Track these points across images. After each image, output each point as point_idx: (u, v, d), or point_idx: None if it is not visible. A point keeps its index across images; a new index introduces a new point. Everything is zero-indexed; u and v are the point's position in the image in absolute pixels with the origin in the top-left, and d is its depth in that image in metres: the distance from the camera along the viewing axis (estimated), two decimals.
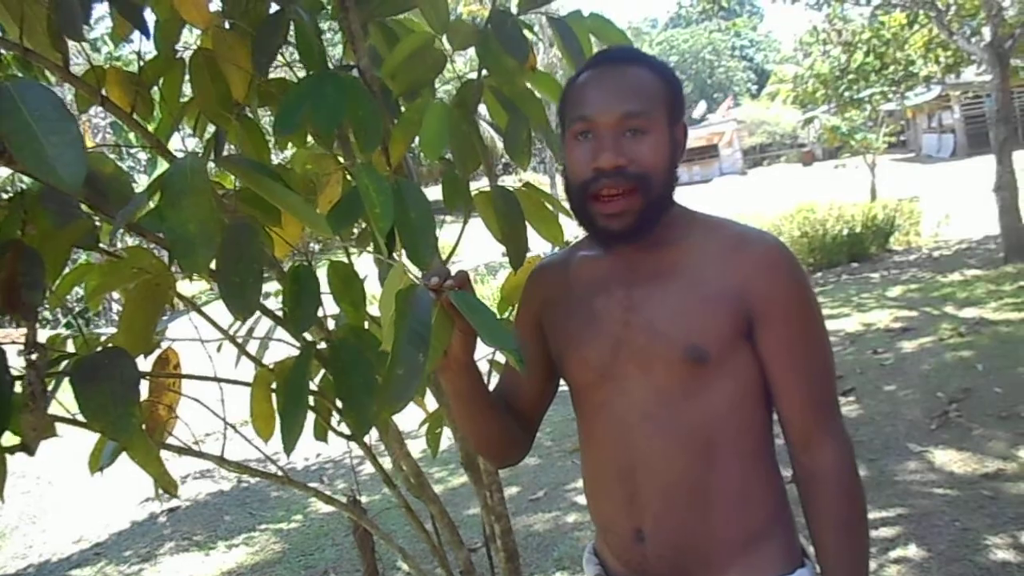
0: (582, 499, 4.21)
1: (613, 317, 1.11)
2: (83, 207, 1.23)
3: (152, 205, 1.24)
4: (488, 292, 10.95)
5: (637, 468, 1.10)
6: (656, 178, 1.05)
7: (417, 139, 1.29)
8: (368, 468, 4.45)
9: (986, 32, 8.23)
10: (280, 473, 1.39)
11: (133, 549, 4.51)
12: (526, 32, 1.30)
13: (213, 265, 1.13)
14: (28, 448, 1.00)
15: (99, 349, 1.18)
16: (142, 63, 1.44)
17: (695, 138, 33.23)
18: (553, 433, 5.12)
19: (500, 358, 1.64)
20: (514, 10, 1.37)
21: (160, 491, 1.24)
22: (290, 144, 1.72)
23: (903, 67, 11.11)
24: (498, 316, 1.67)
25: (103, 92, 1.37)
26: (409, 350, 0.97)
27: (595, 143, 1.05)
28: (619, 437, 1.11)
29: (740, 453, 1.09)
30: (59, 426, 1.19)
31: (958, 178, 17.42)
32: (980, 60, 8.64)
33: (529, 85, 1.48)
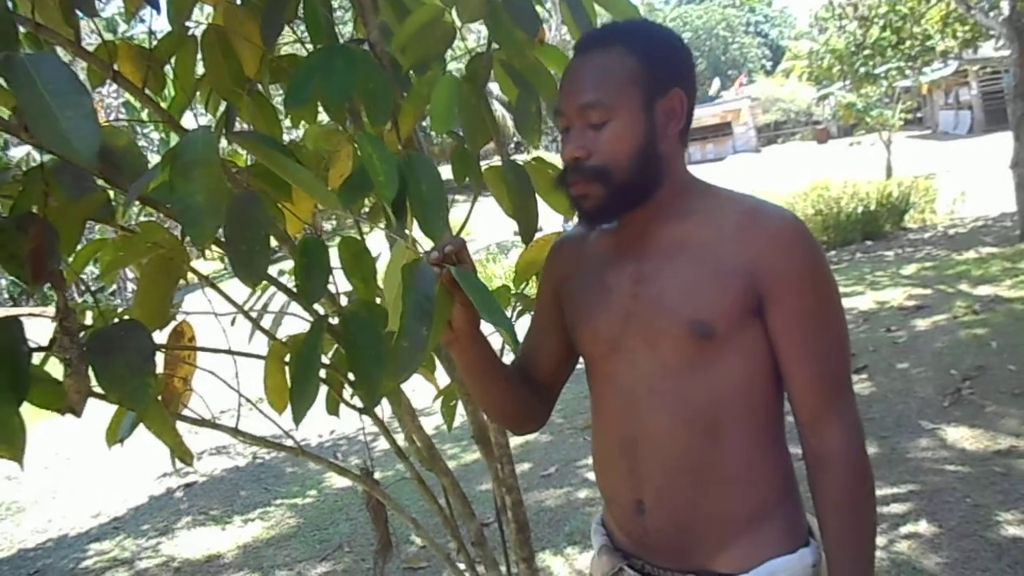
0: (593, 475, 4.22)
1: (623, 289, 1.12)
2: (97, 181, 1.25)
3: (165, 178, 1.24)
4: (500, 271, 10.96)
5: (640, 441, 1.10)
6: (618, 167, 1.05)
7: (427, 113, 1.30)
8: (382, 444, 4.48)
9: (1004, 6, 8.09)
10: (294, 445, 1.40)
11: (151, 523, 4.58)
12: (536, 5, 1.30)
13: (222, 236, 1.15)
14: (74, 410, 1.03)
15: (115, 322, 1.19)
16: (154, 39, 1.45)
17: (709, 115, 32.97)
18: (565, 410, 5.14)
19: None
20: None
21: (176, 461, 1.26)
22: (302, 122, 1.73)
23: (920, 42, 10.94)
24: (512, 290, 1.69)
25: (115, 67, 1.38)
26: (413, 323, 0.99)
27: (568, 135, 1.08)
28: (625, 409, 1.12)
29: (746, 431, 1.08)
30: None
31: (975, 155, 17.23)
32: (998, 34, 8.51)
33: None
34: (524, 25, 1.23)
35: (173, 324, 1.47)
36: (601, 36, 1.10)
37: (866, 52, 11.32)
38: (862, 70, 11.61)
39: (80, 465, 6.09)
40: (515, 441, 4.86)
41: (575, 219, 1.21)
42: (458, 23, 1.35)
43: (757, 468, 1.09)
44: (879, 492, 3.22)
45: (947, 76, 22.90)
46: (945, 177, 12.77)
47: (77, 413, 1.04)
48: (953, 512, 3.03)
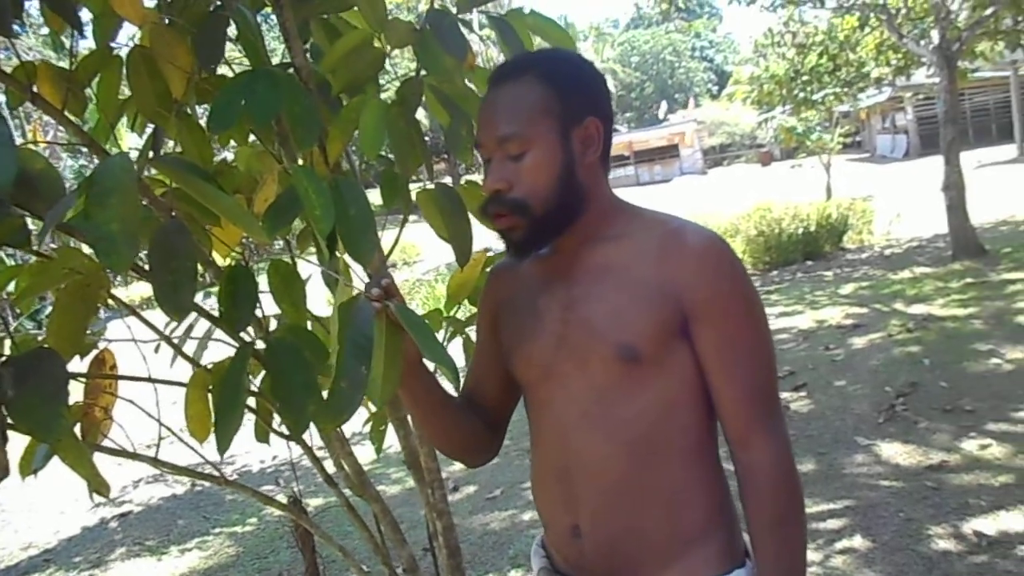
0: None
1: (554, 315, 1.13)
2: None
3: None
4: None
5: (574, 466, 1.10)
6: (537, 198, 1.06)
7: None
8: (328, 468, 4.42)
9: (935, 35, 8.43)
10: (216, 474, 1.37)
11: (83, 555, 4.42)
12: (465, 31, 1.31)
13: (147, 267, 1.13)
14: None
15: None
16: (74, 59, 1.42)
17: (656, 138, 33.57)
18: (511, 432, 5.07)
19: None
20: (454, 9, 1.38)
21: (92, 493, 1.22)
22: (233, 143, 1.71)
23: (855, 69, 11.32)
24: (444, 314, 1.68)
25: (34, 89, 1.34)
26: (352, 363, 0.99)
27: (488, 166, 1.09)
28: (559, 434, 1.12)
29: (679, 452, 1.09)
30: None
31: (911, 178, 17.83)
32: (929, 62, 8.85)
33: (470, 83, 1.48)
34: (451, 50, 1.24)
35: (94, 352, 1.44)
36: (512, 67, 1.10)
37: (804, 78, 11.66)
38: (801, 95, 11.94)
39: (9, 495, 5.85)
40: (461, 464, 4.82)
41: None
42: (387, 48, 1.36)
43: (691, 490, 1.10)
44: (816, 508, 3.29)
45: (883, 101, 23.72)
46: (882, 199, 13.17)
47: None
48: (887, 527, 3.10)
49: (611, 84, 51.17)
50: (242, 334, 1.38)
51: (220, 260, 1.52)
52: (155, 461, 1.33)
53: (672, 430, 1.08)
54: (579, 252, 1.12)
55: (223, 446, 1.18)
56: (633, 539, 1.09)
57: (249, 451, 5.71)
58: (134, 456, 1.32)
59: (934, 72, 8.66)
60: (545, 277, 1.17)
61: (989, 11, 8.17)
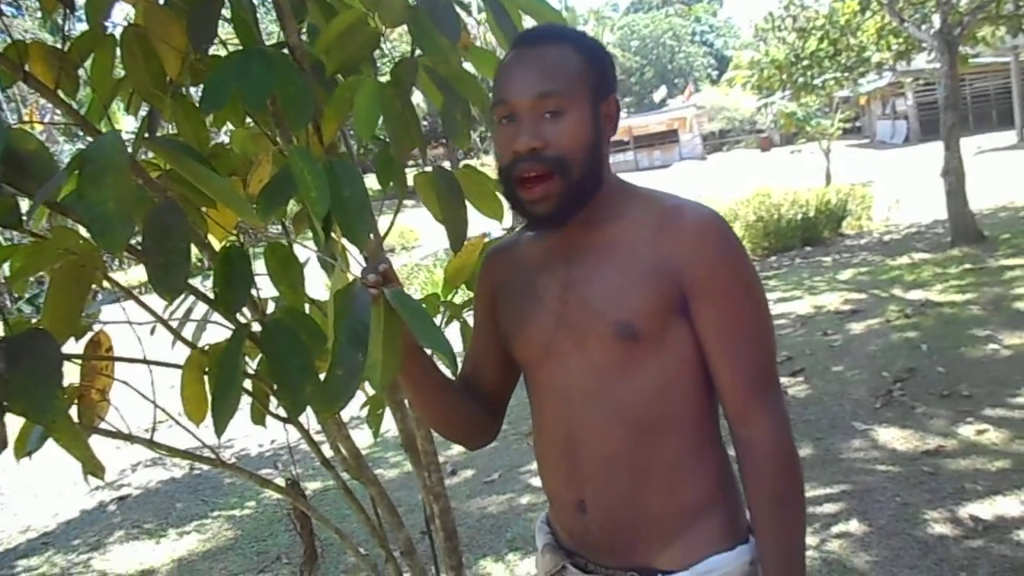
0: (536, 481, 4.25)
1: (552, 295, 1.13)
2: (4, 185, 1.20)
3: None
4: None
5: (578, 442, 1.11)
6: (576, 159, 1.04)
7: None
8: (325, 452, 4.43)
9: (936, 20, 8.38)
10: (213, 457, 1.37)
11: (82, 538, 4.44)
12: (460, 11, 1.29)
13: (140, 246, 1.12)
14: None
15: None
16: (68, 39, 1.40)
17: (656, 123, 33.46)
18: (509, 416, 5.08)
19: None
20: None
21: (87, 475, 1.22)
22: (230, 124, 1.70)
23: (856, 53, 11.25)
24: (440, 299, 1.68)
25: (26, 68, 1.33)
26: (348, 350, 0.99)
27: (515, 126, 1.04)
28: (561, 413, 1.13)
29: (679, 429, 1.09)
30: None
31: (910, 163, 17.79)
32: (930, 47, 8.80)
33: (467, 63, 1.47)
34: (445, 31, 1.22)
35: (90, 334, 1.43)
36: (547, 33, 1.10)
37: (804, 63, 11.60)
38: (801, 80, 11.88)
39: (8, 478, 5.86)
40: (459, 448, 4.83)
41: (502, 225, 1.22)
42: (382, 28, 1.34)
43: (693, 466, 1.11)
44: (813, 493, 3.30)
45: (883, 87, 23.63)
46: (881, 185, 13.14)
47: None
48: (883, 511, 3.11)
49: None
50: (239, 316, 1.37)
51: (216, 243, 1.51)
52: (151, 443, 1.33)
53: (671, 407, 1.09)
54: (578, 232, 1.12)
55: (220, 428, 1.18)
56: (635, 514, 1.10)
57: (248, 435, 5.72)
58: (130, 438, 1.32)
59: (935, 57, 8.61)
60: (544, 258, 1.17)
61: None
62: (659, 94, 41.67)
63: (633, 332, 1.05)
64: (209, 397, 1.33)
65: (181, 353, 1.44)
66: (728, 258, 1.06)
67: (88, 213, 1.00)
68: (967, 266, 7.16)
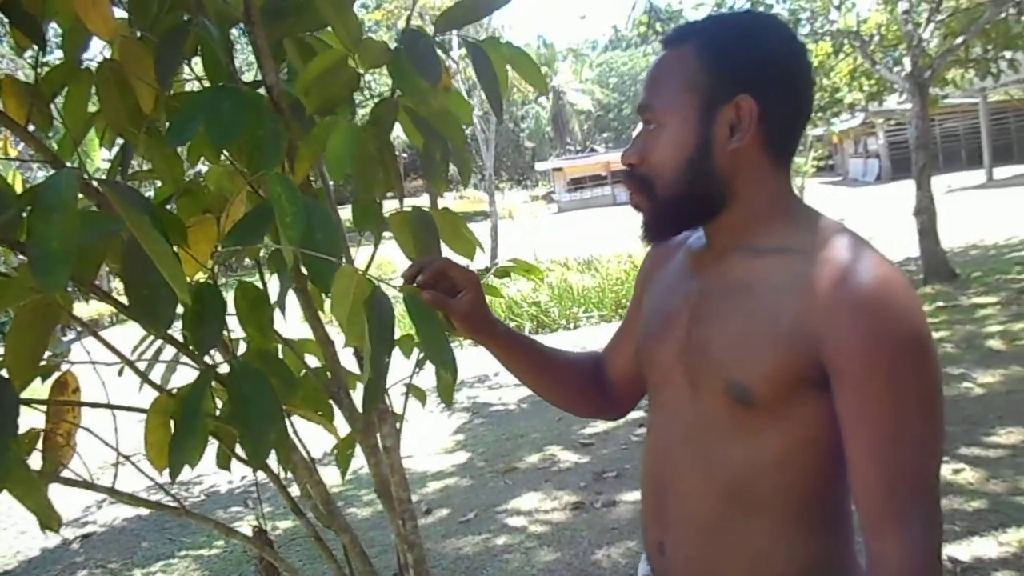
0: (512, 521, 4.19)
1: (681, 323, 1.04)
2: None
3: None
4: None
5: (669, 483, 1.05)
6: (660, 177, 0.97)
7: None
8: (295, 492, 4.35)
9: (907, 62, 8.57)
10: (175, 504, 1.32)
11: None
12: (439, 52, 1.28)
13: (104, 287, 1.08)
14: None
15: None
16: (40, 71, 1.38)
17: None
18: (486, 453, 5.08)
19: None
20: (431, 29, 1.36)
21: (44, 528, 1.16)
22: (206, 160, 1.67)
23: (829, 94, 11.49)
24: (415, 340, 1.65)
25: None
26: (378, 355, 1.05)
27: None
28: (663, 446, 1.07)
29: (782, 509, 0.96)
30: None
31: (882, 201, 18.09)
32: (901, 89, 8.99)
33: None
34: (425, 73, 1.21)
35: (56, 375, 1.38)
36: (679, 33, 1.01)
37: None
38: None
39: None
40: (435, 486, 4.76)
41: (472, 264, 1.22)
42: (361, 69, 1.33)
43: (783, 552, 0.97)
44: None
45: (856, 126, 24.10)
46: (854, 222, 13.29)
47: None
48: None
49: (588, 104, 51.50)
50: (207, 358, 1.34)
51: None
52: (113, 491, 1.28)
53: (777, 485, 0.95)
54: (724, 257, 1.00)
55: (175, 471, 1.15)
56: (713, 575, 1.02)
57: (217, 471, 5.60)
58: (92, 487, 1.27)
59: (906, 98, 8.80)
60: (687, 274, 1.08)
61: (959, 40, 8.34)
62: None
63: (747, 396, 0.92)
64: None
65: (149, 395, 1.40)
66: (885, 339, 0.85)
67: (33, 250, 0.96)
68: (939, 304, 7.24)
